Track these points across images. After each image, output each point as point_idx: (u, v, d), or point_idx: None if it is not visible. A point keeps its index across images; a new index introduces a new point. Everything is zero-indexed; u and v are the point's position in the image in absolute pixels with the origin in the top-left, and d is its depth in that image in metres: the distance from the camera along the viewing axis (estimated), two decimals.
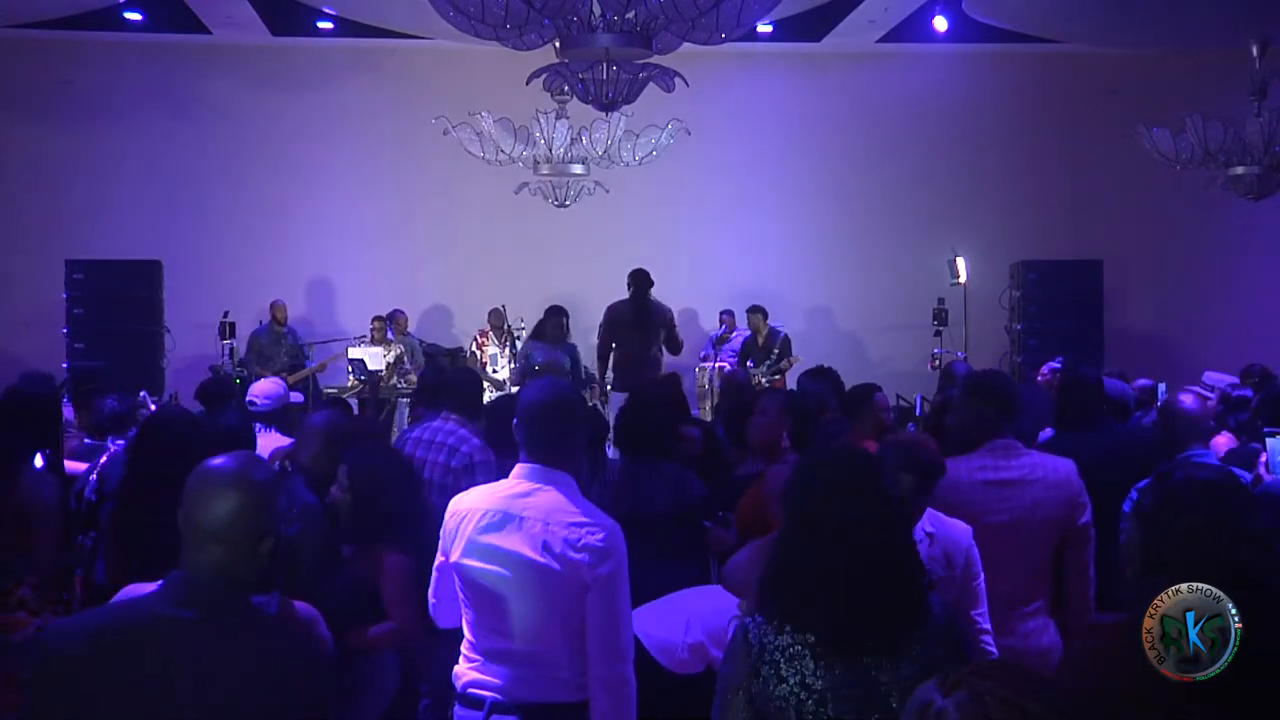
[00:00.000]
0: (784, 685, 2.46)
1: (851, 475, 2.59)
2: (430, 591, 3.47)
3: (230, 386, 8.17)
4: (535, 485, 3.27)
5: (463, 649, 3.35)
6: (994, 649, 3.71)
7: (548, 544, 3.18)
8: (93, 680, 2.25)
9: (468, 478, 4.80)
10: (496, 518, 3.25)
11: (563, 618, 3.20)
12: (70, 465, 5.59)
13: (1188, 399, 4.77)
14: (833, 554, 2.48)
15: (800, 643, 2.47)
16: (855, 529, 2.50)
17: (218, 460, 2.45)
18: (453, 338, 13.94)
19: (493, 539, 3.23)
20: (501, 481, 3.38)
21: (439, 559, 3.40)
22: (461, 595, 3.33)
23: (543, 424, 3.30)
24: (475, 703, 3.27)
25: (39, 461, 4.78)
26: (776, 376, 12.38)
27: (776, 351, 12.81)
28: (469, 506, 3.33)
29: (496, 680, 3.24)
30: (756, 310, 13.07)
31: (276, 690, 2.33)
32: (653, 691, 3.41)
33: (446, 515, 3.37)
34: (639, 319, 10.94)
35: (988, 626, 3.72)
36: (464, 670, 3.33)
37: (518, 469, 3.32)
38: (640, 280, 11.06)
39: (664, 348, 11.20)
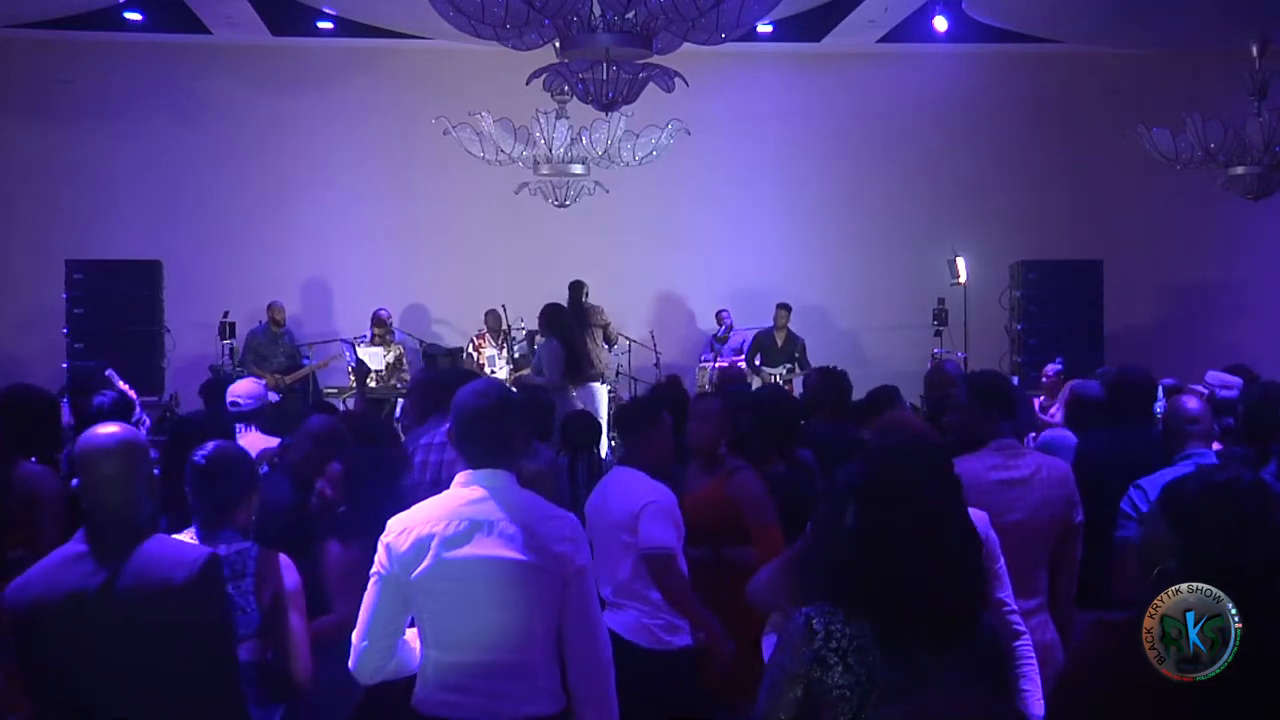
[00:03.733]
0: (850, 674, 2.42)
1: (937, 465, 2.56)
2: (359, 634, 3.20)
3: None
4: (487, 489, 3.20)
5: (425, 669, 3.21)
6: (1022, 626, 3.73)
7: (528, 542, 3.13)
8: (44, 621, 2.86)
9: None
10: (463, 526, 3.14)
11: (544, 619, 3.16)
12: None
13: (1191, 400, 4.78)
14: (914, 544, 2.44)
15: (867, 634, 2.44)
16: (940, 520, 2.47)
17: (100, 429, 3.03)
18: (452, 337, 13.94)
19: (465, 550, 3.12)
20: (447, 493, 3.27)
21: (375, 588, 3.19)
22: (423, 615, 3.20)
23: (483, 428, 3.24)
24: None
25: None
26: (789, 380, 12.40)
27: (797, 356, 12.83)
28: (420, 521, 3.19)
29: (475, 697, 3.13)
30: (784, 307, 13.06)
31: (167, 610, 2.86)
32: (632, 675, 3.38)
33: (390, 537, 3.18)
34: (576, 319, 11.85)
35: (1015, 606, 3.75)
36: (431, 689, 3.18)
37: (463, 477, 3.24)
38: (574, 289, 12.26)
39: (605, 344, 12.30)
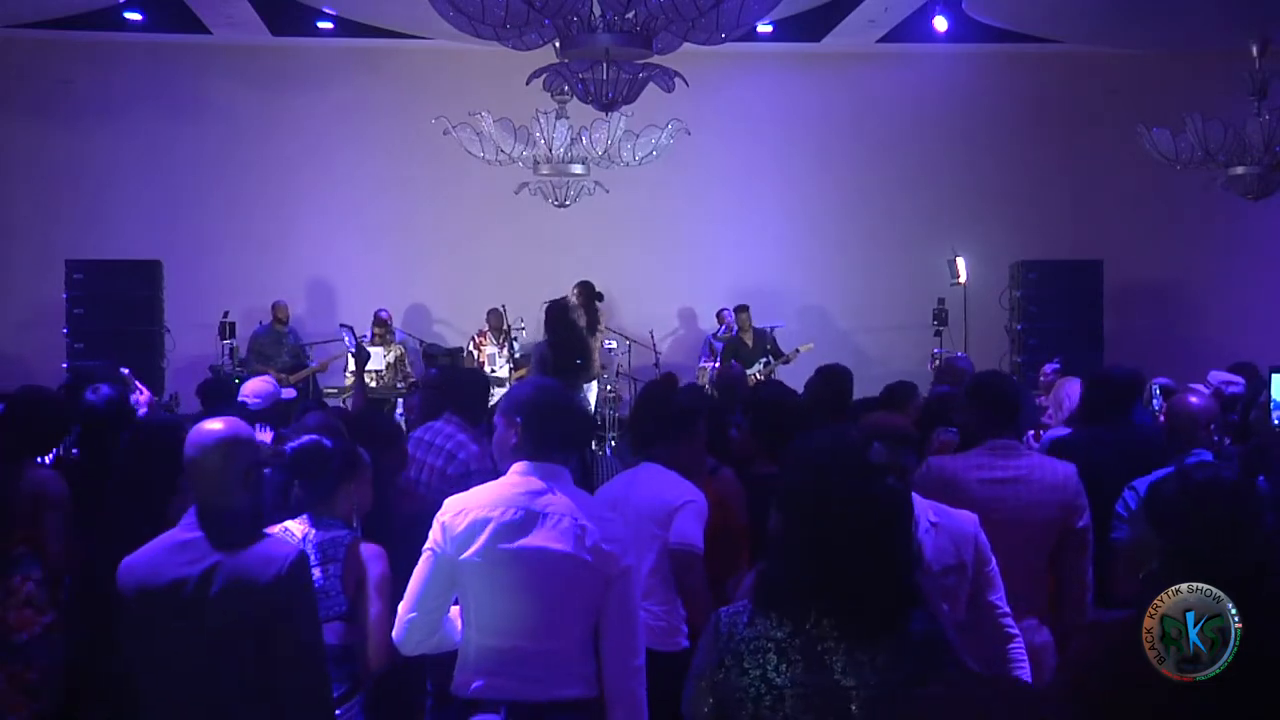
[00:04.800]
0: (745, 677, 2.37)
1: (847, 465, 2.50)
2: (406, 605, 3.33)
3: (230, 386, 8.17)
4: (546, 483, 3.30)
5: (466, 650, 3.31)
6: (1015, 629, 3.72)
7: (580, 537, 3.22)
8: (144, 604, 3.09)
9: (461, 486, 4.75)
10: (519, 515, 3.25)
11: (583, 613, 3.25)
12: None
13: (1194, 399, 4.75)
14: (823, 546, 2.38)
15: (766, 635, 2.38)
16: (849, 520, 2.39)
17: (205, 424, 3.22)
18: (452, 337, 13.94)
19: (518, 536, 3.22)
20: (504, 480, 3.35)
21: (428, 563, 3.30)
22: (467, 596, 3.29)
23: (550, 425, 3.35)
24: (489, 705, 3.24)
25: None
26: (770, 375, 12.42)
27: (769, 349, 12.85)
28: (478, 504, 3.29)
29: (510, 681, 3.22)
30: (743, 309, 13.12)
31: (252, 606, 3.05)
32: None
33: (446, 516, 3.30)
34: (589, 319, 11.87)
35: (1007, 610, 3.74)
36: (470, 673, 3.28)
37: (522, 466, 3.33)
38: (587, 291, 12.04)
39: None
